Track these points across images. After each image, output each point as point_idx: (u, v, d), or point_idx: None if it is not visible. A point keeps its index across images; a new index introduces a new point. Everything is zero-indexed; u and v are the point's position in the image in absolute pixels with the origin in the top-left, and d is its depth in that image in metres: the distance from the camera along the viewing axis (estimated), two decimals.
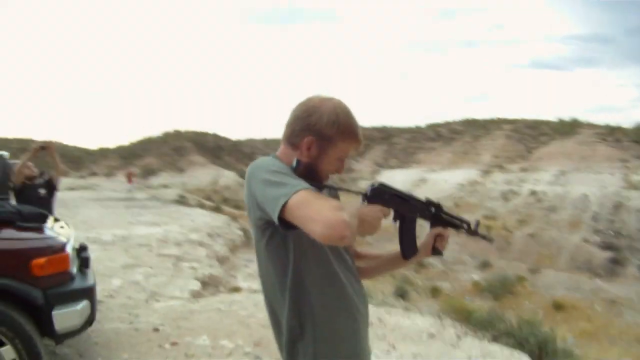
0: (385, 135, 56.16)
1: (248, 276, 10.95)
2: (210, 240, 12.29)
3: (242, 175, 66.41)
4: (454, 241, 27.78)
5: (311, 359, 1.42)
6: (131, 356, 4.06)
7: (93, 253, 8.04)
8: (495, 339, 5.23)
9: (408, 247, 1.61)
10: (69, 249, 3.42)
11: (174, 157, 61.88)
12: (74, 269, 3.52)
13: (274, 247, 1.42)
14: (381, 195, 1.44)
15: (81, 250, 4.24)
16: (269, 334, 4.69)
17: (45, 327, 3.07)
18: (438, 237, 1.63)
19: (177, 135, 69.56)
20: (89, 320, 3.46)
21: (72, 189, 18.26)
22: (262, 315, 4.92)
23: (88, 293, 3.47)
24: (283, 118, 1.53)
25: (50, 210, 4.82)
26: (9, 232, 3.19)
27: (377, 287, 13.84)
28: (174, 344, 4.42)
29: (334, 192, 1.63)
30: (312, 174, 1.43)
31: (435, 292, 15.41)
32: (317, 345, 1.42)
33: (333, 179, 1.61)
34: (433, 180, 40.24)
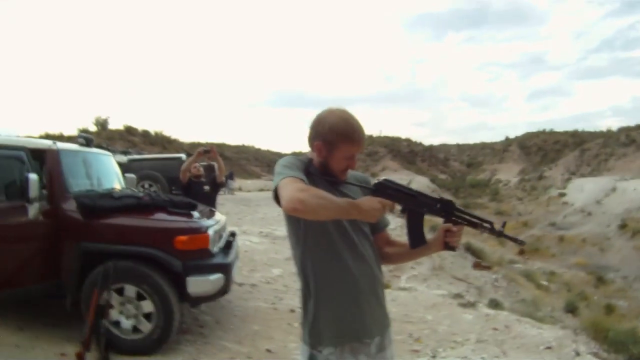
0: (577, 140, 50.81)
1: (412, 278, 10.98)
2: None
3: (433, 180, 65.56)
4: (637, 256, 23.57)
5: (312, 314, 1.77)
6: (260, 328, 4.70)
7: (262, 246, 9.23)
8: None
9: (413, 238, 1.83)
10: (210, 232, 4.17)
11: (368, 162, 64.31)
12: (215, 248, 4.28)
13: (292, 223, 1.79)
14: (384, 190, 1.74)
15: (231, 235, 5.10)
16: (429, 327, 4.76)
17: (181, 290, 3.84)
18: (448, 233, 1.78)
19: (371, 140, 72.13)
20: (222, 291, 4.15)
21: (262, 189, 20.26)
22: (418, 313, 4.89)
23: (223, 268, 4.17)
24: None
25: (212, 204, 5.79)
26: (160, 215, 4.09)
27: (548, 300, 12.66)
28: None
29: (353, 189, 1.89)
30: (326, 170, 1.81)
31: (608, 310, 13.42)
32: (317, 304, 1.76)
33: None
34: (623, 189, 35.01)
